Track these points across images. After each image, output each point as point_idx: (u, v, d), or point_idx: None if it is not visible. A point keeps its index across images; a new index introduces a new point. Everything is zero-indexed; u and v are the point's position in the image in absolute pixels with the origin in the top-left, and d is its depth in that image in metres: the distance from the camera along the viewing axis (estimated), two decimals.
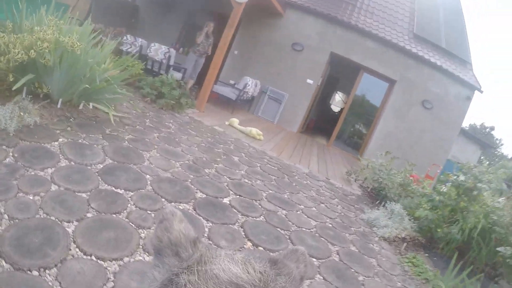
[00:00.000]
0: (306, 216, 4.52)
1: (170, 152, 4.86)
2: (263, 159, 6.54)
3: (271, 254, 2.17)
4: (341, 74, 15.26)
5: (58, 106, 4.76)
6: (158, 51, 9.21)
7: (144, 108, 6.73)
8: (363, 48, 11.53)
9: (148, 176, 3.84)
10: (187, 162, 4.74)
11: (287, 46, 11.77)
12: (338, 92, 20.23)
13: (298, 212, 4.56)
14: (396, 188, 6.51)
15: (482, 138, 24.87)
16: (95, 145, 4.11)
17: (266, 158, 6.72)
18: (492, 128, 47.96)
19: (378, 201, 6.55)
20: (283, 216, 4.24)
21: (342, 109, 18.10)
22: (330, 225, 4.57)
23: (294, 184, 5.74)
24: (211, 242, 3.05)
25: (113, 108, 5.74)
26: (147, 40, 9.98)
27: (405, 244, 4.88)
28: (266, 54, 11.90)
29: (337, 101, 21.88)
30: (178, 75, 9.69)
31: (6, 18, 4.50)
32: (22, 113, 4.09)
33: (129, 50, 9.69)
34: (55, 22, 4.46)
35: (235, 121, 8.34)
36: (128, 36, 9.91)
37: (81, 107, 5.09)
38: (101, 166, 3.66)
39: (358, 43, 11.54)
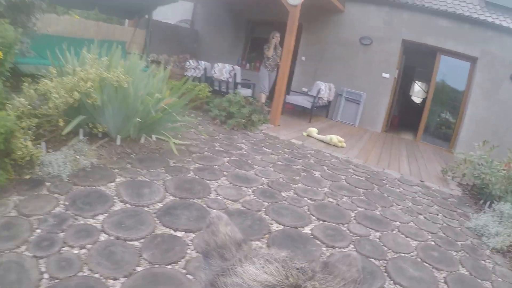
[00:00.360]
0: (403, 236, 3.69)
1: (242, 177, 4.32)
2: (348, 169, 5.78)
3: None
4: (416, 61, 13.96)
5: (118, 143, 4.48)
6: (222, 70, 8.90)
7: (214, 131, 6.35)
8: (435, 28, 10.32)
9: (214, 211, 3.33)
10: (261, 186, 4.17)
11: (354, 42, 10.92)
12: (416, 81, 18.77)
13: (394, 232, 3.75)
14: (501, 182, 5.40)
15: None
16: (155, 181, 3.71)
17: (352, 167, 5.95)
18: None
19: (482, 201, 5.50)
20: (377, 240, 3.48)
21: (424, 99, 16.69)
22: (433, 243, 3.70)
23: (385, 195, 4.91)
24: None
25: (179, 136, 5.43)
26: (211, 61, 9.72)
27: None
28: (335, 55, 11.15)
29: (417, 91, 20.31)
30: (247, 92, 9.30)
31: (51, 64, 4.31)
32: (77, 156, 3.83)
33: (194, 74, 9.51)
34: (97, 59, 4.20)
35: (314, 130, 7.70)
36: (191, 61, 9.75)
37: (142, 140, 4.78)
38: (160, 205, 3.21)
39: (429, 24, 10.35)
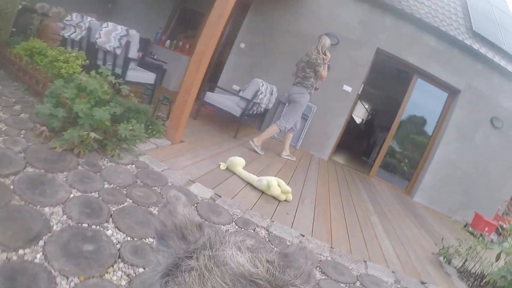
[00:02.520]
0: None
1: None
2: None
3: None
4: (375, 78, 10.95)
5: None
6: (110, 34, 4.98)
7: (18, 157, 2.53)
8: (420, 45, 7.31)
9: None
10: None
11: (316, 36, 7.47)
12: (361, 100, 15.95)
13: None
14: None
15: None
16: None
17: (317, 275, 2.45)
18: None
19: None
20: None
21: (367, 122, 13.95)
22: None
23: None
24: None
25: None
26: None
27: None
28: (286, 48, 7.61)
29: (359, 110, 17.57)
30: (146, 77, 5.50)
31: None
32: None
33: (72, 36, 5.52)
34: None
35: (239, 162, 4.04)
36: (74, 15, 5.69)
37: None
38: None
39: (414, 39, 7.32)
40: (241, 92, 6.63)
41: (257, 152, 5.44)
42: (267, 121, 7.58)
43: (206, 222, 2.63)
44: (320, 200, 4.32)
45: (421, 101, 8.13)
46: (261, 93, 5.97)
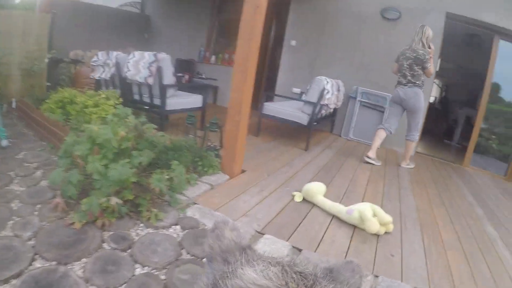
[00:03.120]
0: None
1: None
2: None
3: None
4: (454, 49, 9.43)
5: None
6: (139, 64, 4.39)
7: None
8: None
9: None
10: None
11: (373, 15, 6.37)
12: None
13: None
14: None
15: None
16: None
17: None
18: None
19: None
20: None
21: (442, 99, 12.35)
22: None
23: None
24: None
25: None
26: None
27: None
28: (342, 35, 6.60)
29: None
30: (190, 101, 4.84)
31: None
32: None
33: (103, 76, 5.05)
34: None
35: (316, 190, 3.13)
36: (100, 54, 5.23)
37: None
38: None
39: None
40: (303, 95, 5.78)
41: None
42: (339, 121, 6.61)
43: None
44: (425, 219, 3.24)
45: (503, 65, 6.61)
46: (327, 92, 5.06)
